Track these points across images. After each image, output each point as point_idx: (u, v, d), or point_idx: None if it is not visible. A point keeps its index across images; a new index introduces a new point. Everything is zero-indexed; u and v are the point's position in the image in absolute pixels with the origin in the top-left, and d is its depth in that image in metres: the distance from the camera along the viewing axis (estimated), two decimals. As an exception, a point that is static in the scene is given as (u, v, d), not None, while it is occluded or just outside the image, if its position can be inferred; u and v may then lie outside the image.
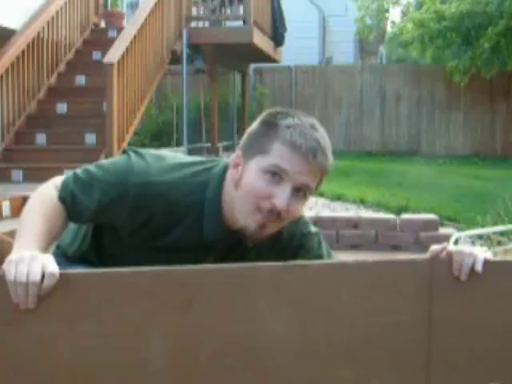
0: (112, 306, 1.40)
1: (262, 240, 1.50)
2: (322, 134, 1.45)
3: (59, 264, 1.67)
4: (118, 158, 1.57)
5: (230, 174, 1.48)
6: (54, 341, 1.39)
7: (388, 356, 1.48)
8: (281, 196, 1.40)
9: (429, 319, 1.48)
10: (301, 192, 1.43)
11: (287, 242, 1.59)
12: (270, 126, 1.44)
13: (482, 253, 1.45)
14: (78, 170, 1.56)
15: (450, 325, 1.50)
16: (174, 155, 1.58)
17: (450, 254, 1.44)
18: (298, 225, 1.61)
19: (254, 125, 1.49)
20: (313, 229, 1.67)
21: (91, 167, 1.55)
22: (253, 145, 1.45)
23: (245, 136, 1.50)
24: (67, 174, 1.57)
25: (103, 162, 1.59)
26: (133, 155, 1.53)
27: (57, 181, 1.55)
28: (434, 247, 1.48)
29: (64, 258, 1.70)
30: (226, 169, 1.52)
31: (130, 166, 1.49)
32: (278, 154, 1.40)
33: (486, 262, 1.45)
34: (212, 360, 1.43)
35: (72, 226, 1.68)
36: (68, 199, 1.51)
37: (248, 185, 1.43)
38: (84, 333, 1.39)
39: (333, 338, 1.47)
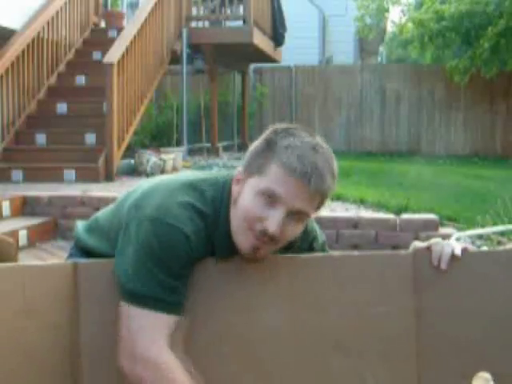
0: (114, 293, 1.44)
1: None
2: (323, 157, 1.40)
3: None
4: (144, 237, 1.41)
5: (233, 190, 1.46)
6: (65, 328, 1.43)
7: (378, 347, 1.52)
8: (273, 220, 1.37)
9: (415, 310, 1.53)
10: (296, 216, 1.40)
11: (298, 247, 1.57)
12: (269, 145, 1.41)
13: (461, 245, 1.55)
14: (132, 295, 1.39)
15: (436, 315, 1.54)
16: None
17: (429, 247, 1.53)
18: (307, 229, 1.59)
19: (257, 141, 1.46)
20: (318, 231, 1.69)
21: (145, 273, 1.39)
22: (252, 162, 1.43)
23: (247, 151, 1.48)
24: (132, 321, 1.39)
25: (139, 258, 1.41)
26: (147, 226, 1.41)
27: (133, 349, 1.37)
28: (417, 243, 1.57)
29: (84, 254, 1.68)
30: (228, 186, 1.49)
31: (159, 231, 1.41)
32: (273, 177, 1.37)
33: (466, 252, 1.53)
34: (209, 347, 1.47)
35: (101, 230, 1.62)
36: (171, 302, 1.40)
37: (242, 205, 1.41)
38: (90, 320, 1.44)
39: (323, 329, 1.51)
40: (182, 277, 1.41)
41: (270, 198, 1.38)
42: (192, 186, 1.47)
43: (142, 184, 1.58)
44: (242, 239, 1.42)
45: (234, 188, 1.45)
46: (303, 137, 1.41)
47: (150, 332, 1.38)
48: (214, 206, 1.46)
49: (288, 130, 1.43)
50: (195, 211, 1.43)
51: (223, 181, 1.50)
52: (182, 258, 1.40)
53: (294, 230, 1.43)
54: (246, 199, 1.41)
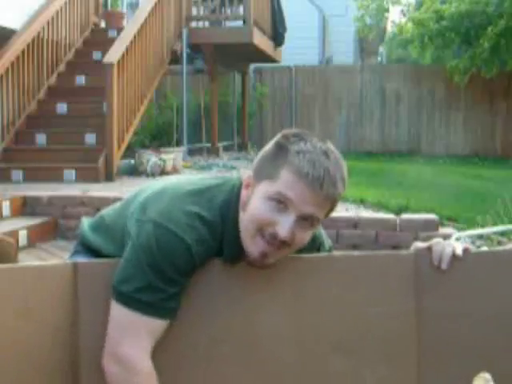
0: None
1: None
2: (335, 162, 1.41)
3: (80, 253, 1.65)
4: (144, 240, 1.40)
5: (242, 195, 1.45)
6: (65, 328, 1.43)
7: (378, 348, 1.52)
8: (284, 225, 1.36)
9: (416, 311, 1.53)
10: (307, 221, 1.39)
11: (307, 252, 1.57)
12: (280, 149, 1.40)
13: (462, 245, 1.55)
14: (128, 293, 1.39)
15: (437, 315, 1.54)
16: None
17: (430, 247, 1.53)
18: (315, 235, 1.58)
19: (268, 146, 1.45)
20: (324, 236, 1.69)
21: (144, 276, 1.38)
22: (263, 167, 1.42)
23: (257, 156, 1.47)
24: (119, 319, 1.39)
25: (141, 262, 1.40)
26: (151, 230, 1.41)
27: (117, 348, 1.38)
28: (418, 243, 1.57)
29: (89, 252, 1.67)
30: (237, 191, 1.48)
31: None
32: (284, 181, 1.36)
33: (468, 252, 1.53)
34: (210, 347, 1.47)
35: (106, 229, 1.62)
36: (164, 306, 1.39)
37: (252, 210, 1.40)
38: (90, 320, 1.44)
39: (324, 329, 1.52)
40: (177, 284, 1.40)
41: (281, 203, 1.37)
42: (199, 194, 1.46)
43: (148, 186, 1.57)
44: (251, 244, 1.41)
45: (244, 192, 1.44)
46: (314, 142, 1.41)
47: (134, 334, 1.38)
48: (221, 213, 1.45)
49: (299, 135, 1.42)
50: (200, 220, 1.42)
51: (232, 185, 1.50)
52: (180, 265, 1.39)
53: (304, 236, 1.42)
54: (256, 204, 1.39)
